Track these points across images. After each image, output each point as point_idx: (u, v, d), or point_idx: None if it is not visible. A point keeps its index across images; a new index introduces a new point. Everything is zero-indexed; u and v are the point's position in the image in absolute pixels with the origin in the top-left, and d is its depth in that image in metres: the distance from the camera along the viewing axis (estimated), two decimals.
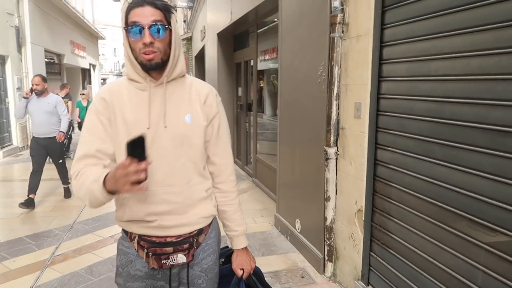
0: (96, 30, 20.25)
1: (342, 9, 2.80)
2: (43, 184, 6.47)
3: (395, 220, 2.39)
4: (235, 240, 1.58)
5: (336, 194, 3.02)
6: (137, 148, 1.06)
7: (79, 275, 3.31)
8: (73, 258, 3.65)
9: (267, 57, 6.14)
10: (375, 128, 2.55)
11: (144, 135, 1.08)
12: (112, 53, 63.46)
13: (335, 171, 3.00)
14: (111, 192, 1.16)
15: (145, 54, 1.28)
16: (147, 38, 1.26)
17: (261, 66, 6.32)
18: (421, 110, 2.14)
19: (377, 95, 2.53)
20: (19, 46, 9.95)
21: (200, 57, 12.00)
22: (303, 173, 3.62)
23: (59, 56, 14.11)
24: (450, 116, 1.95)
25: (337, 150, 2.97)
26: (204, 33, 9.63)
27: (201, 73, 12.52)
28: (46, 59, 12.02)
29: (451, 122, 1.94)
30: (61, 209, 5.19)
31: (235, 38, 7.66)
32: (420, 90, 2.15)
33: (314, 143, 3.31)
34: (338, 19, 2.82)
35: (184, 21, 18.09)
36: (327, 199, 3.05)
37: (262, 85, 6.67)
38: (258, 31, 6.12)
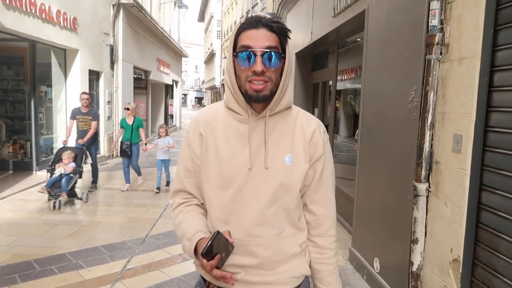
0: (180, 49, 21.45)
1: (442, 28, 2.48)
2: (122, 195, 6.79)
3: (504, 279, 1.98)
4: None
5: (425, 236, 2.65)
6: (213, 246, 1.02)
7: None
8: (142, 274, 3.67)
9: (345, 77, 5.88)
10: (480, 165, 2.17)
11: (218, 232, 1.03)
12: (194, 70, 67.19)
13: (425, 210, 2.63)
14: None
15: (253, 83, 1.13)
16: (259, 66, 1.11)
17: (339, 86, 6.05)
18: None
19: (483, 127, 2.16)
20: (112, 63, 10.78)
21: None
22: (385, 208, 3.27)
23: (146, 72, 15.10)
24: None
25: (429, 186, 2.61)
26: None
27: None
28: (134, 75, 12.91)
29: None
30: (136, 221, 5.34)
31: (313, 58, 7.50)
32: None
33: (400, 176, 2.97)
34: (436, 39, 2.50)
35: None
36: (415, 241, 2.68)
37: (338, 105, 6.40)
38: (339, 50, 5.89)
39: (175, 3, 21.09)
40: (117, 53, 10.97)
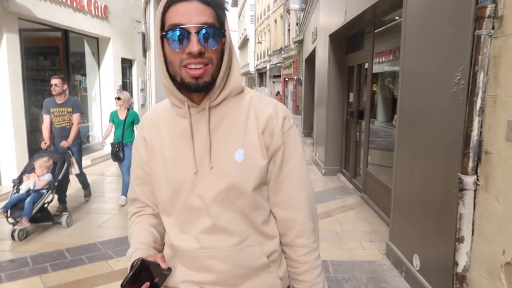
0: None
1: None
2: (121, 212, 6.58)
3: None
4: None
5: (472, 235, 2.37)
6: (136, 276, 0.94)
7: None
8: None
9: (383, 59, 5.52)
10: None
11: (142, 261, 0.96)
12: None
13: (472, 206, 2.35)
14: None
15: (190, 68, 0.93)
16: (195, 46, 0.90)
17: (376, 69, 5.69)
18: None
19: None
20: (144, 50, 10.82)
21: (311, 60, 11.65)
22: (426, 200, 2.99)
23: None
24: None
25: (477, 179, 2.32)
26: (316, 35, 9.23)
27: (310, 77, 12.17)
28: None
29: None
30: None
31: (348, 39, 7.11)
32: None
33: (444, 167, 2.68)
34: (488, 11, 2.18)
35: (297, 24, 17.97)
36: (460, 239, 2.41)
37: (375, 89, 6.05)
38: (375, 31, 5.51)
39: None
40: (149, 41, 10.99)
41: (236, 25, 55.82)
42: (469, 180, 2.34)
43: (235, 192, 1.01)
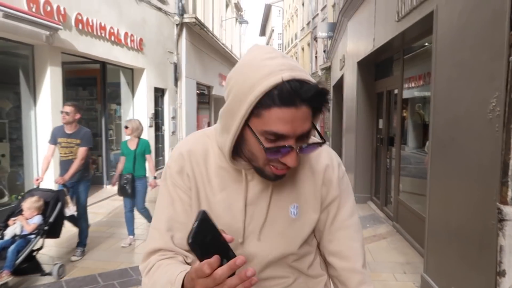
0: None
1: None
2: (123, 255, 4.92)
3: None
4: None
5: None
6: (207, 238, 0.66)
7: None
8: None
9: (412, 84, 5.46)
10: None
11: (205, 211, 0.68)
12: None
13: None
14: None
15: (276, 169, 0.87)
16: (294, 163, 0.82)
17: (405, 94, 5.63)
18: None
19: None
20: (176, 80, 11.19)
21: (338, 87, 11.67)
22: (463, 231, 2.88)
23: (209, 87, 15.51)
24: None
25: None
26: (344, 62, 9.29)
27: (338, 103, 12.16)
28: (197, 91, 13.31)
29: None
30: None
31: (376, 66, 7.11)
32: None
33: (481, 196, 2.58)
34: None
35: (324, 51, 18.14)
36: (501, 273, 2.29)
37: (405, 114, 5.96)
38: (405, 57, 5.49)
39: (236, 19, 21.59)
40: (180, 70, 11.37)
41: None
42: (509, 210, 2.24)
43: (283, 246, 0.99)
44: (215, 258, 0.65)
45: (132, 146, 4.84)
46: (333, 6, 14.87)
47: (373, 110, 7.15)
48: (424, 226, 3.62)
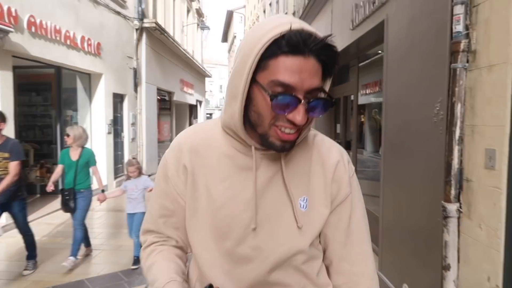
0: (203, 69, 21.76)
1: (467, 34, 2.29)
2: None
3: None
4: None
5: (458, 262, 2.40)
6: None
7: None
8: None
9: (368, 91, 5.68)
10: None
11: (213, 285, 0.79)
12: (219, 90, 68.18)
13: (456, 233, 2.39)
14: None
15: (282, 131, 0.81)
16: (301, 119, 0.78)
17: (362, 100, 5.85)
18: None
19: None
20: (136, 85, 10.97)
21: None
22: (413, 229, 3.03)
23: (170, 93, 15.32)
24: None
25: (460, 207, 2.37)
26: None
27: None
28: (158, 97, 13.11)
29: None
30: None
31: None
32: None
33: (428, 195, 2.74)
34: (462, 46, 2.31)
35: None
36: (446, 267, 2.43)
37: (363, 120, 6.19)
38: (360, 64, 5.71)
39: (197, 25, 21.52)
40: (140, 76, 11.17)
41: (226, 59, 57.03)
42: (452, 207, 2.39)
43: (294, 244, 0.92)
44: None
45: (74, 156, 4.31)
46: (293, 13, 15.18)
47: (331, 115, 7.35)
48: (378, 227, 3.76)
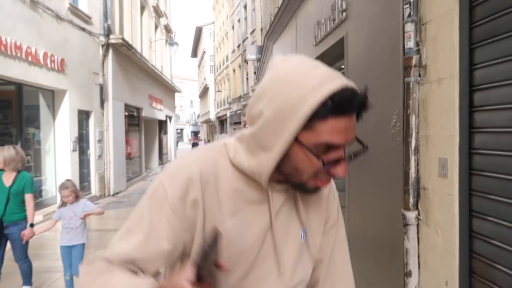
0: (173, 85, 21.66)
1: (418, 50, 2.42)
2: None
3: None
4: None
5: (419, 268, 2.48)
6: (209, 254, 0.66)
7: None
8: None
9: None
10: (468, 190, 2.05)
11: (219, 233, 0.67)
12: (189, 105, 67.91)
13: (416, 240, 2.48)
14: None
15: (321, 182, 0.81)
16: (344, 173, 0.78)
17: None
18: None
19: (468, 150, 2.05)
20: (102, 101, 10.78)
21: None
22: (377, 237, 3.11)
23: (138, 109, 15.13)
24: None
25: (418, 214, 2.47)
26: None
27: None
28: (126, 113, 12.91)
29: None
30: None
31: None
32: None
33: (390, 204, 2.83)
34: (414, 61, 2.44)
35: (254, 73, 18.67)
36: (408, 274, 2.51)
37: None
38: None
39: (166, 41, 21.48)
40: (107, 92, 10.99)
41: (196, 74, 57.06)
42: (411, 215, 2.48)
43: (298, 274, 0.92)
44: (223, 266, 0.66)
45: (7, 181, 3.71)
46: (261, 30, 15.46)
47: None
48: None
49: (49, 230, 3.85)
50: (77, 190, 3.84)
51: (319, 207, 0.96)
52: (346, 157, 0.78)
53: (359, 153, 0.83)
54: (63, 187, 3.72)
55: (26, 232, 3.69)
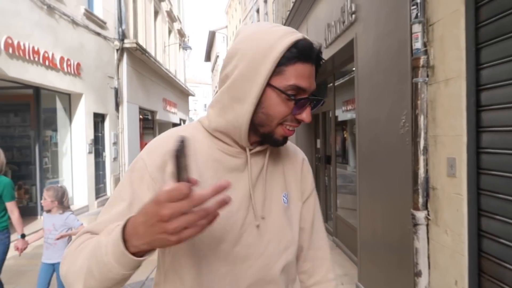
0: (187, 88, 21.85)
1: (426, 51, 2.43)
2: None
3: None
4: None
5: (429, 268, 2.48)
6: (181, 161, 0.61)
7: None
8: None
9: (350, 107, 5.82)
10: (476, 190, 2.05)
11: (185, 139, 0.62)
12: (203, 109, 68.34)
13: (426, 240, 2.48)
14: (140, 252, 0.68)
15: (288, 129, 0.90)
16: (309, 118, 0.88)
17: (344, 116, 6.00)
18: None
19: (476, 149, 2.05)
20: (117, 105, 10.96)
21: None
22: (387, 238, 3.11)
23: (153, 112, 15.32)
24: None
25: (428, 214, 2.47)
26: None
27: None
28: (140, 116, 13.09)
29: None
30: None
31: None
32: None
33: (399, 204, 2.84)
34: (421, 62, 2.45)
35: None
36: (418, 273, 2.51)
37: (345, 135, 6.33)
38: (336, 81, 5.88)
39: (179, 45, 21.71)
40: (121, 95, 11.17)
41: (210, 78, 57.39)
42: (420, 215, 2.48)
43: (286, 238, 0.97)
44: (194, 180, 0.62)
45: None
46: None
47: (311, 131, 7.49)
48: (357, 238, 3.84)
49: (42, 238, 3.35)
50: (60, 199, 3.23)
51: (295, 176, 1.03)
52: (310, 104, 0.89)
53: (319, 101, 0.91)
54: (46, 189, 3.26)
55: (19, 244, 3.21)
